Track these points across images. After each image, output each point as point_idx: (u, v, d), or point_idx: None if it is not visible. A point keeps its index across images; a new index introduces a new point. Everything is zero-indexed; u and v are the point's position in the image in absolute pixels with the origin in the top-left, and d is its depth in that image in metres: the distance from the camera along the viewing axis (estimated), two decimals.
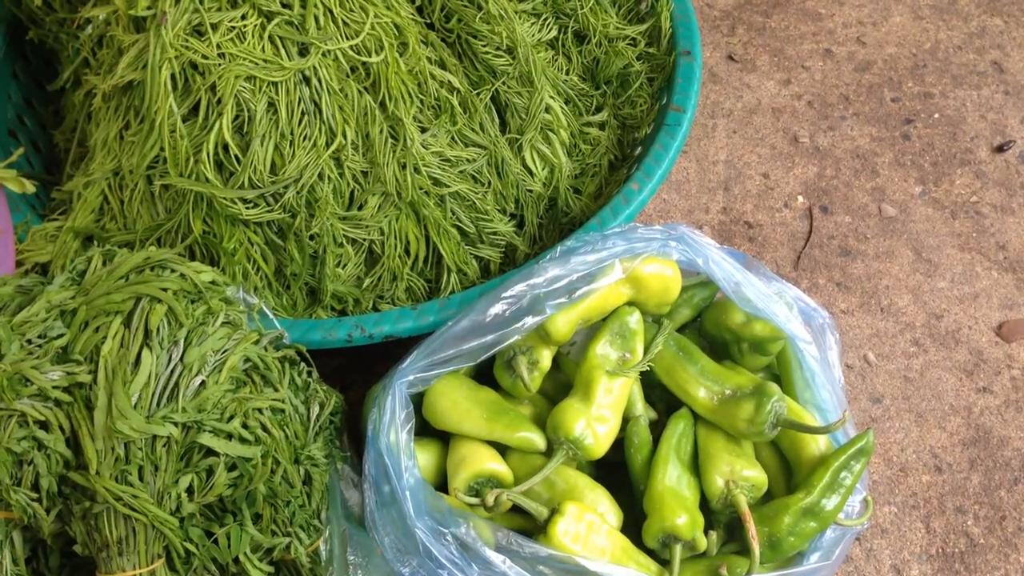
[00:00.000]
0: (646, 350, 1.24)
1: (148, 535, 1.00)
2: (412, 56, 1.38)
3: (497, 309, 1.17)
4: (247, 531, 1.07)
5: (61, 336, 1.02)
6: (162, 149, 1.25)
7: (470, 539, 1.07)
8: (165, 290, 1.05)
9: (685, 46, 1.63)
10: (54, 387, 0.99)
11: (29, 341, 1.00)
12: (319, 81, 1.28)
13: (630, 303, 1.26)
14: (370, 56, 1.32)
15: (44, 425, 0.99)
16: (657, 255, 1.23)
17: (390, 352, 1.32)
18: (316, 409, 1.17)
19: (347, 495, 1.21)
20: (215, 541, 1.06)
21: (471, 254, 1.47)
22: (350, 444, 1.29)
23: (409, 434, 1.14)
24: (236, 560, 1.07)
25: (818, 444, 1.20)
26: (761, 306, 1.22)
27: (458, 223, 1.43)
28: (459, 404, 1.20)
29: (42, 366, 0.98)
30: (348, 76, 1.32)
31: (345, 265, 1.37)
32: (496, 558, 1.06)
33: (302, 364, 1.23)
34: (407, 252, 1.41)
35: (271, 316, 1.25)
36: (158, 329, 1.03)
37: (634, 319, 1.24)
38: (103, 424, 0.99)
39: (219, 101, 1.24)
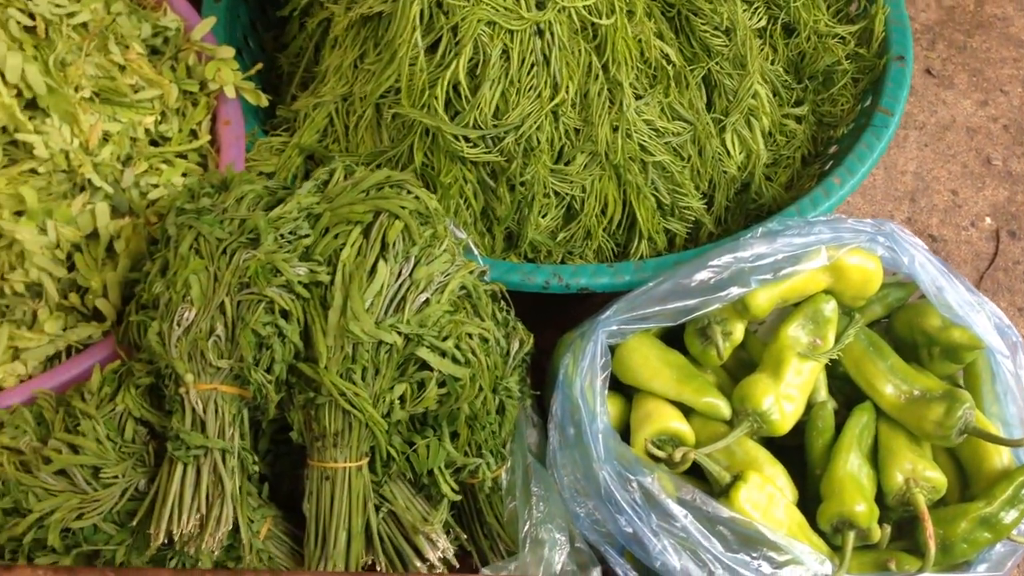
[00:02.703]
0: (837, 339, 1.26)
1: (361, 433, 1.07)
2: (638, 24, 1.41)
3: (703, 276, 1.20)
4: (444, 446, 1.12)
5: (306, 236, 1.09)
6: (398, 79, 1.31)
7: (655, 489, 1.10)
8: (403, 208, 1.11)
9: (898, 51, 1.63)
10: (298, 282, 1.05)
11: (282, 236, 1.07)
12: (551, 35, 1.32)
13: (827, 291, 1.27)
14: (600, 18, 1.36)
15: (285, 315, 1.05)
16: (863, 248, 1.24)
17: (554, 309, 1.37)
18: (516, 345, 1.22)
19: (526, 433, 1.25)
20: (414, 451, 1.12)
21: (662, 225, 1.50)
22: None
23: (604, 381, 1.18)
24: (430, 473, 1.13)
25: (1001, 457, 1.20)
26: (962, 313, 1.22)
27: (656, 192, 1.46)
28: (651, 362, 1.24)
29: (290, 260, 1.05)
30: (577, 34, 1.36)
31: (546, 215, 1.41)
32: (678, 511, 1.09)
33: (502, 302, 1.28)
34: (603, 213, 1.45)
35: (475, 252, 1.30)
36: (394, 243, 1.09)
37: (830, 307, 1.26)
38: (336, 323, 1.06)
39: (458, 42, 1.29)
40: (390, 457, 1.11)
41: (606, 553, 1.17)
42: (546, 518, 1.15)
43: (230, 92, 1.41)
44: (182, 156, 1.38)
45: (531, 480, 1.17)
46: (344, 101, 1.41)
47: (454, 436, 1.14)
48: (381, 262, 1.08)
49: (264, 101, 1.45)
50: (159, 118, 1.37)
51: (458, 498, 1.16)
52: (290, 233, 1.08)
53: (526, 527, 1.15)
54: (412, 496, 1.15)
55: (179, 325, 1.03)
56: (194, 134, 1.41)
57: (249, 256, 1.04)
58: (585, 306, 1.48)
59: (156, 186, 1.32)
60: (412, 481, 1.16)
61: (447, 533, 1.17)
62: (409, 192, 1.14)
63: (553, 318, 1.60)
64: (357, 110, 1.38)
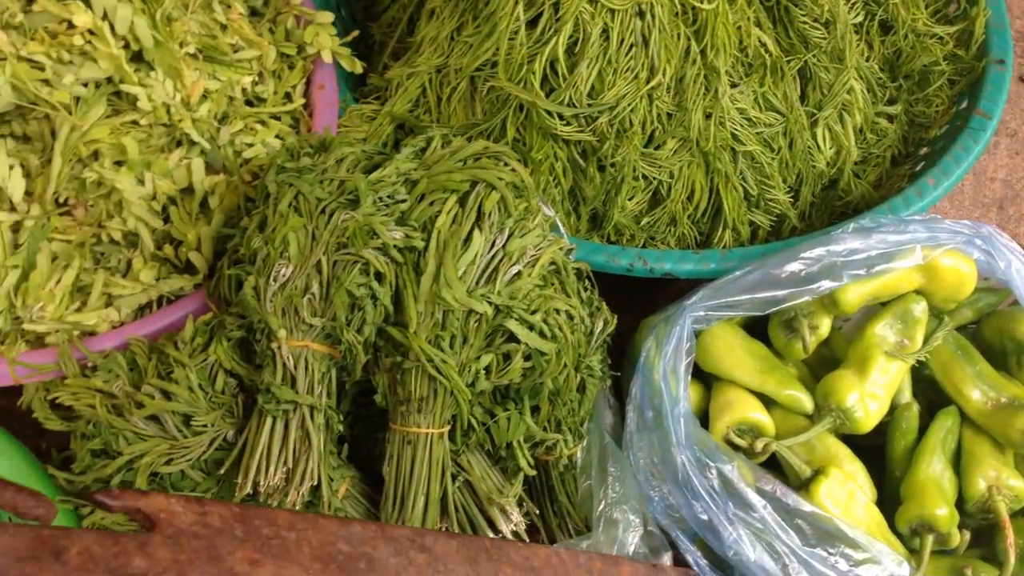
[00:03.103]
0: (925, 341, 1.24)
1: (445, 400, 1.07)
2: (739, 10, 1.39)
3: (794, 267, 1.19)
4: (525, 420, 1.12)
5: (403, 201, 1.10)
6: (496, 53, 1.31)
7: (734, 477, 1.09)
8: (500, 180, 1.11)
9: (998, 55, 1.60)
10: (393, 246, 1.06)
11: (380, 199, 1.08)
12: (652, 17, 1.31)
13: (918, 291, 1.25)
14: (702, 2, 1.34)
15: (378, 277, 1.06)
16: (959, 249, 1.22)
17: (632, 293, 1.37)
18: (600, 325, 1.22)
19: (604, 414, 1.25)
20: (495, 423, 1.12)
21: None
22: None
23: (688, 366, 1.17)
24: (508, 445, 1.13)
25: None
26: None
27: (743, 182, 1.45)
28: (734, 351, 1.23)
29: (387, 224, 1.06)
30: (677, 17, 1.35)
31: (632, 198, 1.40)
32: (757, 501, 1.08)
33: (586, 281, 1.27)
34: (689, 199, 1.44)
35: (562, 231, 1.30)
36: (490, 214, 1.09)
37: (920, 308, 1.24)
38: (428, 289, 1.06)
39: (559, 18, 1.29)
40: (470, 427, 1.11)
41: (677, 539, 1.17)
42: (621, 499, 1.15)
43: (327, 57, 1.42)
44: (275, 118, 1.40)
45: (608, 460, 1.17)
46: (438, 72, 1.41)
47: (534, 411, 1.14)
48: (476, 231, 1.08)
49: (359, 68, 1.46)
50: (256, 79, 1.38)
51: (533, 473, 1.16)
52: (388, 197, 1.09)
53: (600, 507, 1.15)
54: (488, 468, 1.15)
55: (275, 281, 1.05)
56: (288, 97, 1.43)
57: (348, 217, 1.05)
58: (662, 293, 1.47)
59: (250, 145, 1.33)
60: (489, 453, 1.16)
61: (519, 507, 1.17)
62: (506, 164, 1.14)
63: (628, 303, 1.60)
64: (451, 82, 1.39)
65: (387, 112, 1.41)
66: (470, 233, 1.08)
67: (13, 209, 1.18)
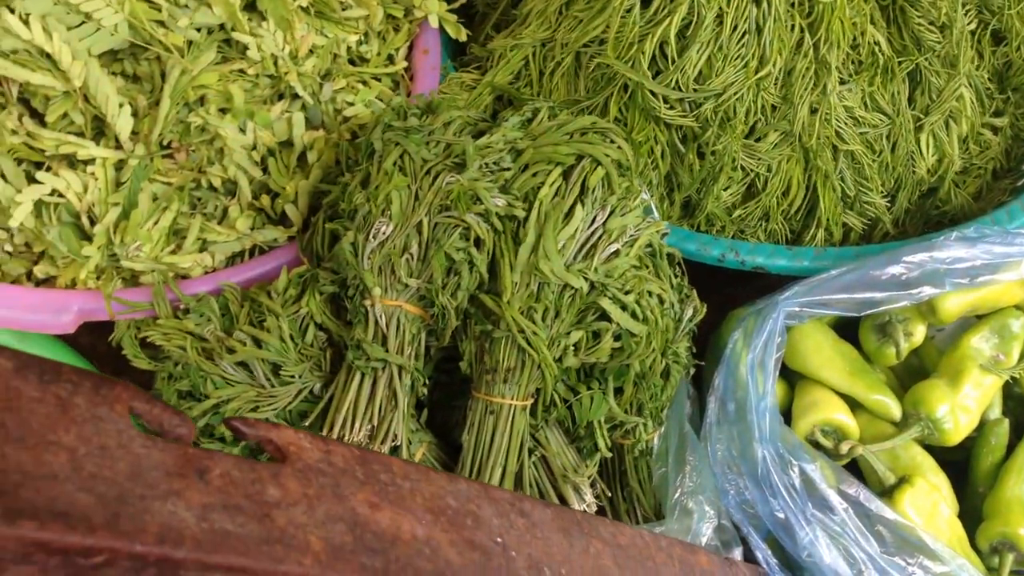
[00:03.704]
0: (1021, 357, 1.20)
1: (532, 373, 1.06)
2: (855, 6, 1.36)
3: (895, 270, 1.16)
4: (607, 400, 1.11)
5: (507, 170, 1.09)
6: (605, 30, 1.30)
7: (817, 477, 1.08)
8: (607, 156, 1.09)
9: None
10: (495, 213, 1.05)
11: (485, 165, 1.07)
12: (768, 5, 1.29)
13: (1018, 306, 1.22)
14: None
15: (477, 243, 1.06)
16: None
17: (714, 284, 1.35)
18: (689, 312, 1.20)
19: (685, 402, 1.24)
20: (578, 400, 1.11)
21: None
22: None
23: (777, 361, 1.15)
24: (588, 425, 1.12)
25: None
26: None
27: (842, 182, 1.42)
28: (823, 350, 1.21)
29: (491, 190, 1.05)
30: (792, 8, 1.32)
31: (728, 188, 1.38)
32: (839, 503, 1.06)
33: (677, 267, 1.26)
34: (784, 195, 1.41)
35: (656, 215, 1.29)
36: (593, 189, 1.08)
37: (1019, 323, 1.21)
38: (525, 259, 1.06)
39: (673, 0, 1.27)
40: (552, 402, 1.10)
41: (748, 535, 1.15)
42: (697, 489, 1.14)
43: (433, 22, 1.42)
44: (376, 79, 1.40)
45: (687, 449, 1.16)
46: (543, 46, 1.40)
47: (617, 392, 1.13)
48: (578, 206, 1.07)
49: (463, 35, 1.45)
50: (362, 38, 1.39)
51: (609, 455, 1.15)
52: (494, 164, 1.08)
53: (676, 495, 1.13)
54: (565, 445, 1.15)
55: (374, 238, 1.04)
56: (391, 59, 1.43)
57: (453, 180, 1.05)
58: (742, 288, 1.45)
59: (351, 104, 1.34)
60: (567, 431, 1.15)
61: (591, 488, 1.16)
62: (612, 142, 1.13)
63: (705, 295, 1.58)
64: (556, 56, 1.37)
65: (488, 82, 1.40)
66: (572, 207, 1.07)
67: (119, 147, 1.19)
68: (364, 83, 1.37)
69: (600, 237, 1.09)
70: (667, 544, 0.90)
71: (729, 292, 1.42)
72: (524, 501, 0.72)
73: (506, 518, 0.68)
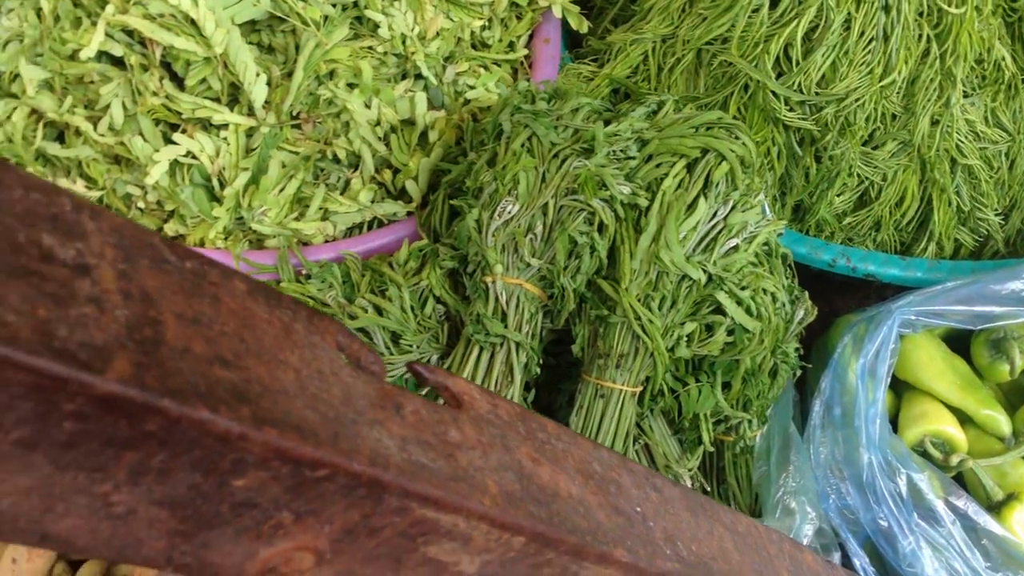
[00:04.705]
0: None
1: (644, 361, 1.07)
2: (984, 20, 1.35)
3: (1016, 285, 1.15)
4: (715, 394, 1.12)
5: (632, 159, 1.10)
6: (731, 28, 1.30)
7: (924, 487, 1.07)
8: (732, 152, 1.10)
9: None
10: (620, 201, 1.07)
11: (612, 152, 1.09)
12: (897, 12, 1.28)
13: None
14: (950, 5, 1.31)
15: (600, 228, 1.07)
16: None
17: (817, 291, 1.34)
18: (800, 313, 1.20)
19: (790, 403, 1.24)
20: (686, 392, 1.12)
21: None
22: None
23: (890, 368, 1.15)
24: (693, 417, 1.13)
25: None
26: None
27: (957, 196, 1.41)
28: (935, 362, 1.20)
29: (617, 178, 1.06)
30: (921, 17, 1.31)
31: (841, 195, 1.38)
32: (946, 514, 1.06)
33: (789, 268, 1.26)
34: (898, 205, 1.40)
35: (769, 214, 1.28)
36: (717, 183, 1.09)
37: None
38: (646, 248, 1.07)
39: (801, 2, 1.27)
40: (660, 392, 1.11)
41: (846, 541, 1.15)
42: (799, 490, 1.13)
43: (557, 12, 1.44)
44: (496, 64, 1.42)
45: (791, 449, 1.16)
46: (663, 42, 1.41)
47: (724, 387, 1.14)
48: (701, 199, 1.08)
49: (585, 27, 1.47)
50: (486, 24, 1.41)
51: (712, 449, 1.16)
52: (620, 151, 1.09)
53: (778, 494, 1.13)
54: (668, 435, 1.15)
55: (499, 216, 1.06)
56: (511, 46, 1.45)
57: (580, 165, 1.06)
58: (844, 298, 1.44)
59: (472, 87, 1.36)
60: (670, 422, 1.16)
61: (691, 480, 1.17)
62: (737, 138, 1.13)
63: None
64: (677, 52, 1.38)
65: (606, 74, 1.41)
66: (695, 200, 1.08)
67: (251, 114, 1.23)
68: (485, 68, 1.39)
69: (720, 231, 1.09)
70: (777, 538, 0.90)
71: (831, 301, 1.41)
72: (656, 477, 0.73)
73: (643, 490, 0.69)
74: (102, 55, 1.21)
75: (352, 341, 0.49)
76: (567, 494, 0.58)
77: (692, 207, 1.08)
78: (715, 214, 1.09)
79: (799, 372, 1.25)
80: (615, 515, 0.62)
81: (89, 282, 0.34)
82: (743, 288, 1.09)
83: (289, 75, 1.25)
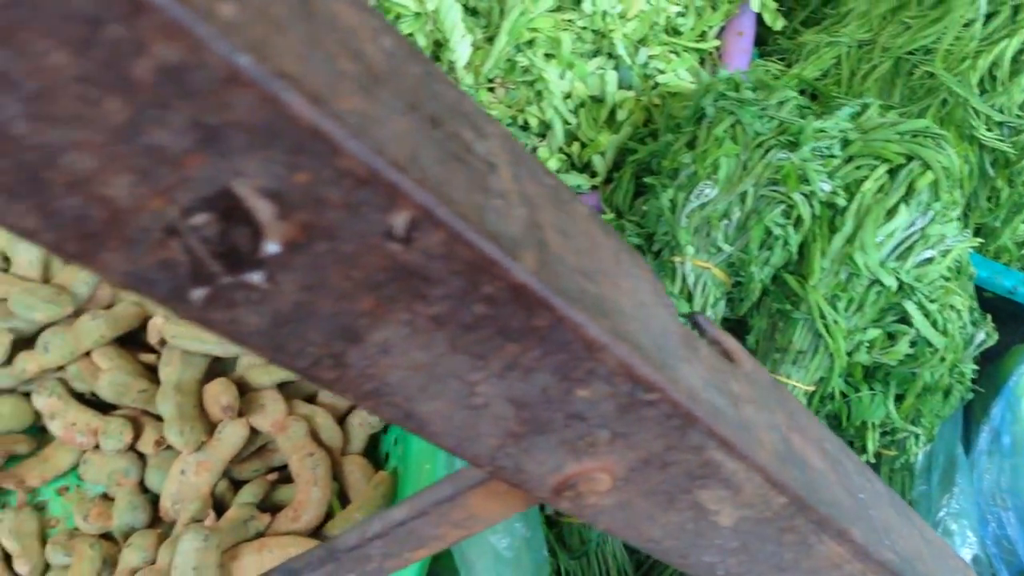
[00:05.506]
0: None
1: (821, 361, 1.07)
2: None
3: None
4: (887, 404, 1.10)
5: (833, 158, 1.09)
6: (937, 40, 1.28)
7: None
8: (939, 163, 1.08)
9: None
10: (819, 198, 1.06)
11: (816, 149, 1.08)
12: None
13: None
14: None
15: (796, 223, 1.06)
16: None
17: None
18: (981, 336, 1.17)
19: (959, 425, 1.21)
20: (858, 398, 1.11)
21: None
22: None
23: None
24: (860, 425, 1.11)
25: None
26: None
27: None
28: None
29: (820, 174, 1.06)
30: None
31: None
32: None
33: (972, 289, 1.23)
34: None
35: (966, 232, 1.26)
36: (920, 192, 1.07)
37: None
38: (839, 247, 1.06)
39: (1015, 21, 1.24)
40: (831, 394, 1.10)
41: (998, 572, 1.12)
42: (961, 513, 1.11)
43: (755, 5, 1.43)
44: (687, 51, 1.42)
45: (956, 471, 1.13)
46: (860, 47, 1.39)
47: (896, 399, 1.12)
48: (902, 205, 1.06)
49: (779, 24, 1.46)
50: (682, 10, 1.41)
51: (872, 461, 1.14)
52: (825, 149, 1.08)
53: (939, 514, 1.11)
54: None
55: (695, 199, 1.07)
56: (703, 35, 1.44)
57: (784, 157, 1.06)
58: (1009, 328, 1.41)
59: (662, 72, 1.36)
60: (834, 428, 1.15)
61: None
62: (944, 150, 1.11)
63: None
64: (873, 59, 1.36)
65: (796, 74, 1.40)
66: (896, 206, 1.07)
67: (450, 73, 1.26)
68: (676, 54, 1.39)
69: (917, 241, 1.07)
70: (953, 553, 0.89)
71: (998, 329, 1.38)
72: (868, 469, 0.72)
73: (862, 477, 0.69)
74: None
75: (657, 281, 0.50)
76: (814, 465, 0.59)
77: (892, 213, 1.07)
78: (913, 223, 1.08)
79: (971, 396, 1.23)
80: (848, 496, 0.62)
81: (497, 178, 0.36)
82: (932, 301, 1.08)
83: (490, 39, 1.27)
